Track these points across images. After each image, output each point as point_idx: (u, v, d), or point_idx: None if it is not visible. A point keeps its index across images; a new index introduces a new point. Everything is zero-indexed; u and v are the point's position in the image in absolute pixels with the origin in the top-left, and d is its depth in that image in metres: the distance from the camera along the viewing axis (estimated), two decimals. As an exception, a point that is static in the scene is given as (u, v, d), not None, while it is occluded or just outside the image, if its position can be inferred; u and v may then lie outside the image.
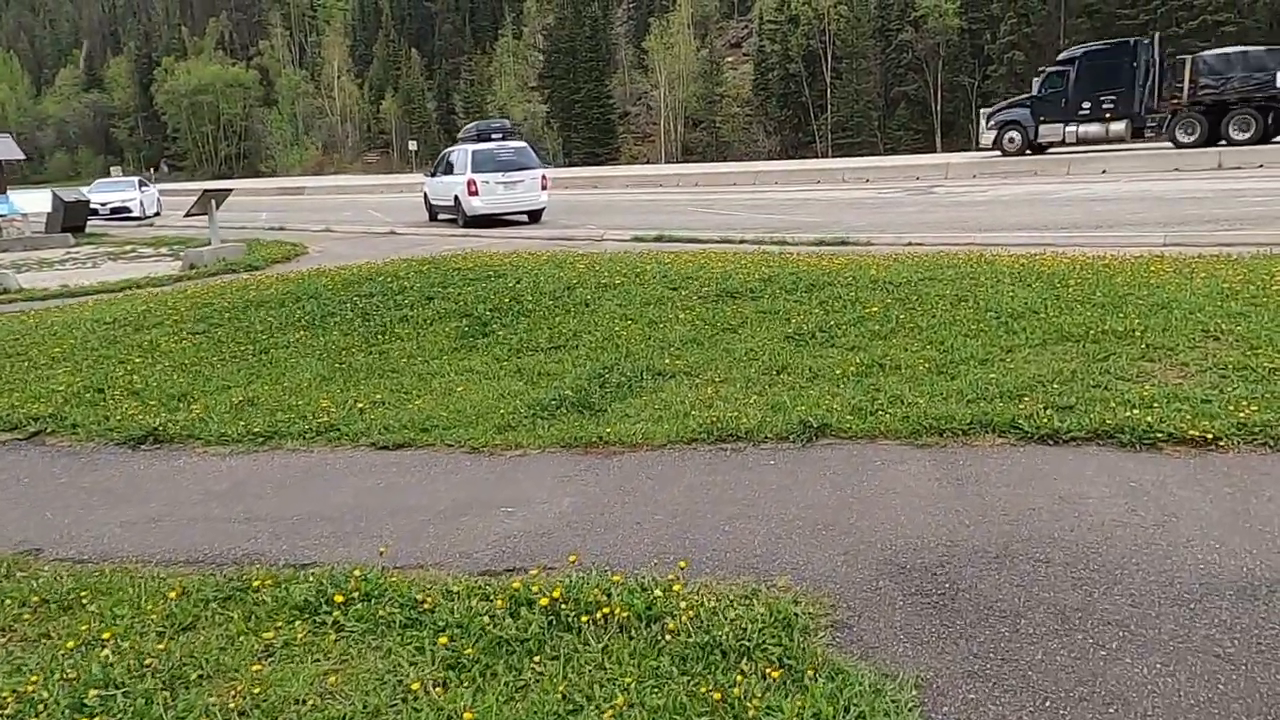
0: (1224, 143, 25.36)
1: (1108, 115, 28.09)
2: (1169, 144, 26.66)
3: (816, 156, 69.27)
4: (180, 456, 5.24)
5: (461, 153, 20.40)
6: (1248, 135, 25.00)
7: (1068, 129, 28.62)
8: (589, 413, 5.15)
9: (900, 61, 75.62)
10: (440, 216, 22.16)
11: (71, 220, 23.16)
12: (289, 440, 5.27)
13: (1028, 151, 29.20)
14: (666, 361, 5.85)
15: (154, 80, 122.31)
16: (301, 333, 7.28)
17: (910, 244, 10.93)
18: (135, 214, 31.23)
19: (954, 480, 3.85)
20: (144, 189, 33.47)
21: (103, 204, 30.69)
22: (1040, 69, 33.55)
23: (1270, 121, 25.05)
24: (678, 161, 75.31)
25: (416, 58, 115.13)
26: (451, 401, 5.57)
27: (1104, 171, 22.68)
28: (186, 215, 15.32)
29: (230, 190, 16.44)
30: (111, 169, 68.70)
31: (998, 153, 29.95)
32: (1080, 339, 5.52)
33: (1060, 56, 31.57)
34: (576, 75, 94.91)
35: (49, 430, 5.84)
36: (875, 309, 6.38)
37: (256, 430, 5.35)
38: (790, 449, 4.35)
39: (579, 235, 16.30)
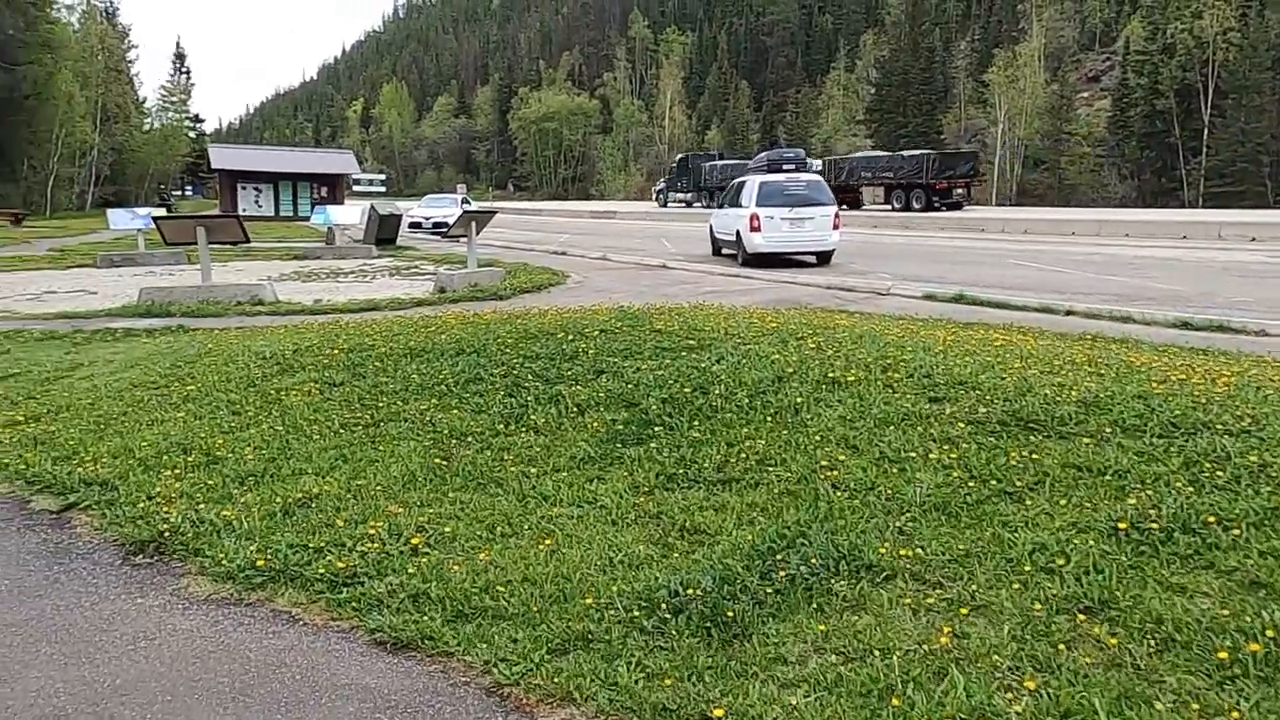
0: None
1: None
2: None
3: (1182, 206, 59.73)
4: (160, 588, 3.74)
5: (749, 184, 18.60)
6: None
7: None
8: (718, 640, 2.93)
9: (1306, 98, 63.19)
10: (723, 251, 20.57)
11: (384, 233, 24.45)
12: (288, 590, 3.58)
13: None
14: (886, 545, 3.45)
15: (511, 108, 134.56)
16: (431, 402, 5.69)
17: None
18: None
19: None
20: (465, 206, 35.42)
21: (425, 218, 32.77)
22: None
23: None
24: (1011, 204, 68.43)
25: (746, 89, 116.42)
26: (535, 558, 3.61)
27: None
28: (446, 237, 14.84)
29: (494, 213, 15.89)
30: (459, 186, 75.65)
31: None
32: None
33: None
34: (907, 109, 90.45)
35: (86, 504, 4.66)
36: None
37: (263, 563, 3.73)
38: None
39: (859, 287, 13.79)
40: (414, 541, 3.86)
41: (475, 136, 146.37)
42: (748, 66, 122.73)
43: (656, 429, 4.86)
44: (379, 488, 4.53)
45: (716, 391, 5.18)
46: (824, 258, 18.33)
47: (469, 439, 5.07)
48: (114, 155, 66.48)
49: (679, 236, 29.62)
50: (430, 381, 6.06)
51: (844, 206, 37.91)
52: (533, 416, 5.24)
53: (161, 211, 20.91)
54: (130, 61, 72.18)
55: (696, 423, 4.87)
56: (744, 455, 4.41)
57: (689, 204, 55.26)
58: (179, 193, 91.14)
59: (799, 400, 4.93)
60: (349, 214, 23.38)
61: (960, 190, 40.78)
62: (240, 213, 29.39)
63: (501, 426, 5.18)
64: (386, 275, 17.26)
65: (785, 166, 18.88)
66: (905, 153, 46.21)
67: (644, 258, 20.02)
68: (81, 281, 16.44)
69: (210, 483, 4.74)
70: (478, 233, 14.63)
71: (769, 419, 4.79)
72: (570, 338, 6.61)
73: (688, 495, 4.14)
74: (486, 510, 4.17)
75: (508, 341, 6.69)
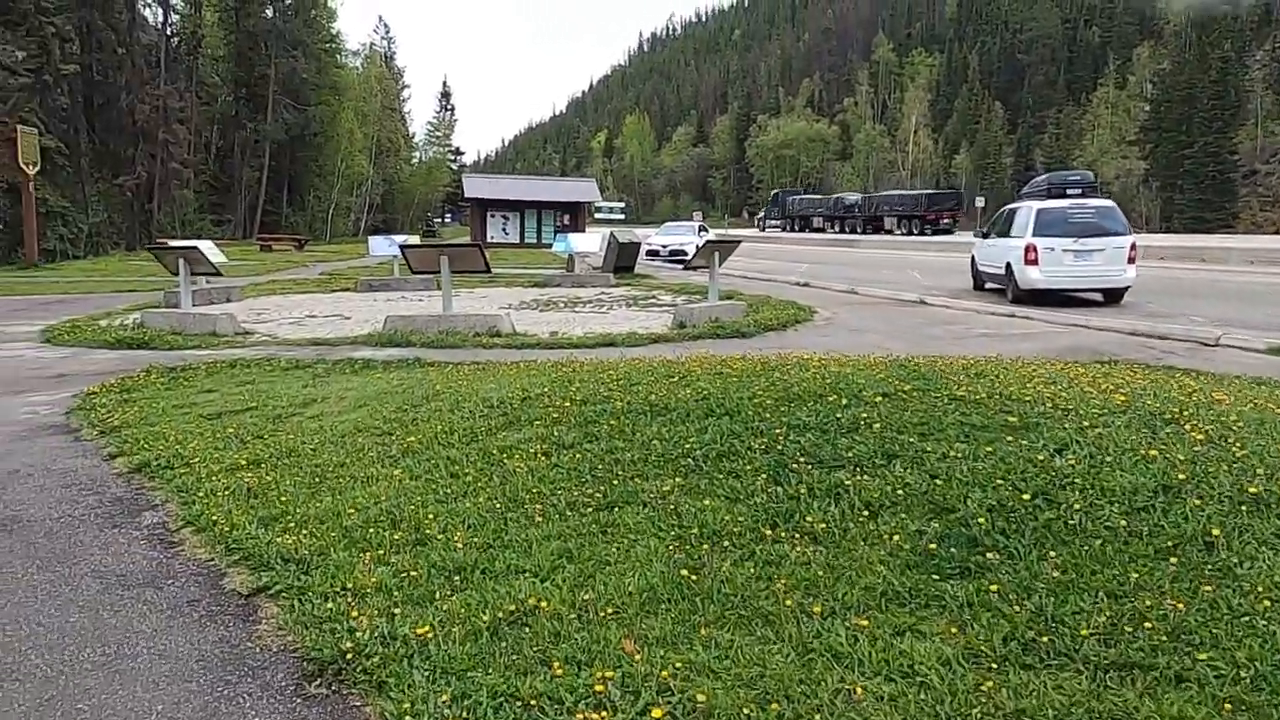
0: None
1: None
2: None
3: None
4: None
5: (1025, 211, 16.41)
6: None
7: None
8: None
9: None
10: (987, 286, 18.41)
11: (622, 261, 24.19)
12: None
13: None
14: None
15: (748, 136, 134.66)
16: (675, 481, 4.60)
17: None
18: (689, 257, 32.55)
19: None
20: (702, 234, 34.88)
21: (663, 246, 32.51)
22: None
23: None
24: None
25: (999, 110, 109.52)
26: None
27: None
28: (687, 268, 13.96)
29: (738, 242, 14.84)
30: (694, 213, 76.07)
31: None
32: None
33: None
34: (1191, 127, 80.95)
35: (278, 588, 3.96)
36: None
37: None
38: None
39: (1174, 333, 11.44)
40: (655, 715, 2.73)
41: (712, 164, 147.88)
42: (1001, 87, 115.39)
43: (988, 555, 3.47)
44: (610, 607, 3.46)
45: (1070, 502, 3.69)
46: (1114, 296, 15.78)
47: (724, 541, 3.91)
48: (385, 186, 72.64)
49: (931, 268, 27.34)
50: (674, 451, 4.99)
51: (870, 230, 60.86)
52: (807, 516, 4.00)
53: (416, 239, 21.69)
54: (404, 100, 78.80)
55: (1049, 551, 3.42)
56: (1143, 619, 2.93)
57: (782, 229, 73.76)
58: (439, 220, 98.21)
59: (1210, 529, 3.36)
60: (589, 241, 23.31)
61: (946, 220, 56.73)
62: (488, 239, 30.41)
63: (766, 528, 3.98)
64: (624, 306, 16.70)
65: (1070, 190, 16.41)
66: (905, 191, 69.74)
67: (896, 291, 18.24)
68: (340, 305, 17.13)
69: (414, 574, 3.89)
70: (720, 263, 13.64)
71: (1167, 557, 3.26)
72: (844, 402, 5.32)
73: (1060, 682, 2.73)
74: (754, 667, 2.98)
75: (766, 403, 5.51)
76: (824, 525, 3.91)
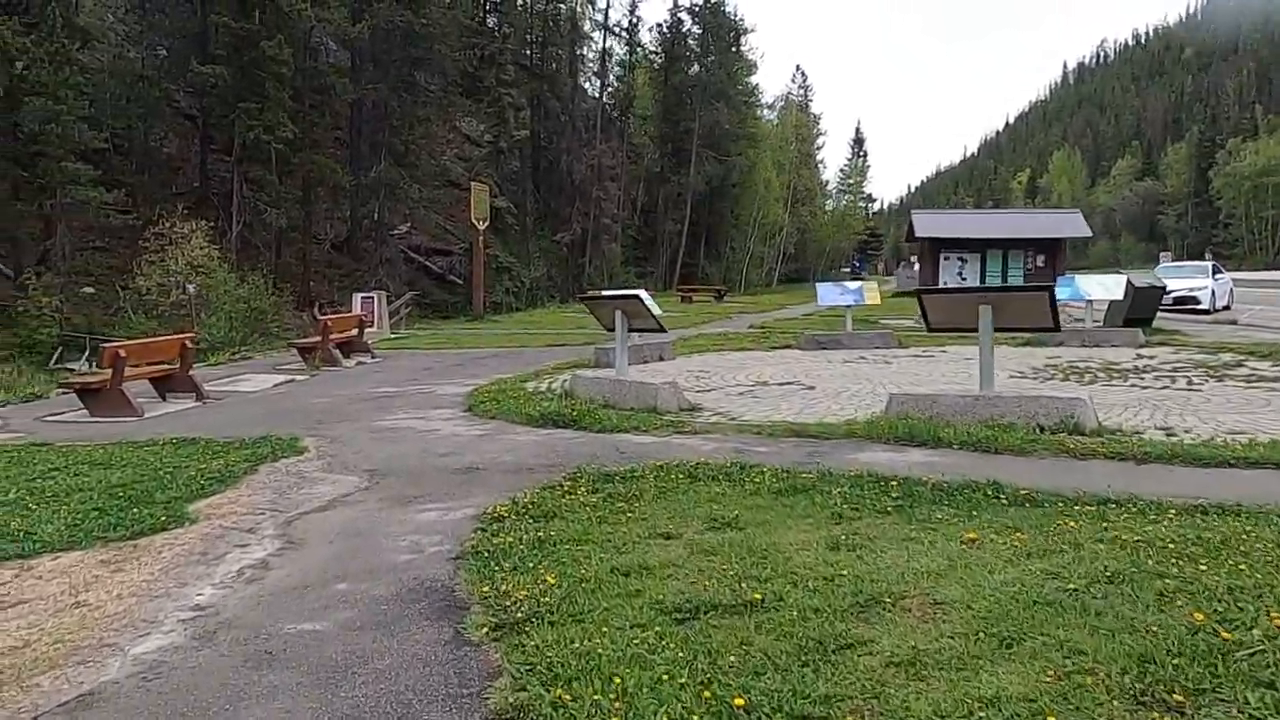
0: None
1: None
2: None
3: None
4: None
5: None
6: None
7: None
8: None
9: None
10: None
11: (1138, 311, 18.18)
12: None
13: None
14: None
15: (1213, 164, 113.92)
16: None
17: None
18: (1203, 305, 25.06)
19: None
20: (1217, 276, 26.95)
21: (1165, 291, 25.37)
22: None
23: None
24: None
25: None
26: None
27: None
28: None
29: None
30: (1160, 254, 64.01)
31: None
32: None
33: None
34: None
35: None
36: None
37: None
38: None
39: None
40: None
41: (1163, 200, 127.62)
42: None
43: None
44: None
45: None
46: None
47: None
48: (798, 235, 70.67)
49: None
50: None
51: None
52: None
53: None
54: (818, 147, 76.74)
55: None
56: None
57: None
58: (848, 270, 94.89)
59: None
60: (1105, 286, 17.67)
61: None
62: (941, 285, 25.65)
63: None
64: (1210, 379, 11.18)
65: None
66: None
67: None
68: (793, 368, 13.66)
69: None
70: None
71: None
72: None
73: None
74: None
75: None
76: None
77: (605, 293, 12.05)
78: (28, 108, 28.17)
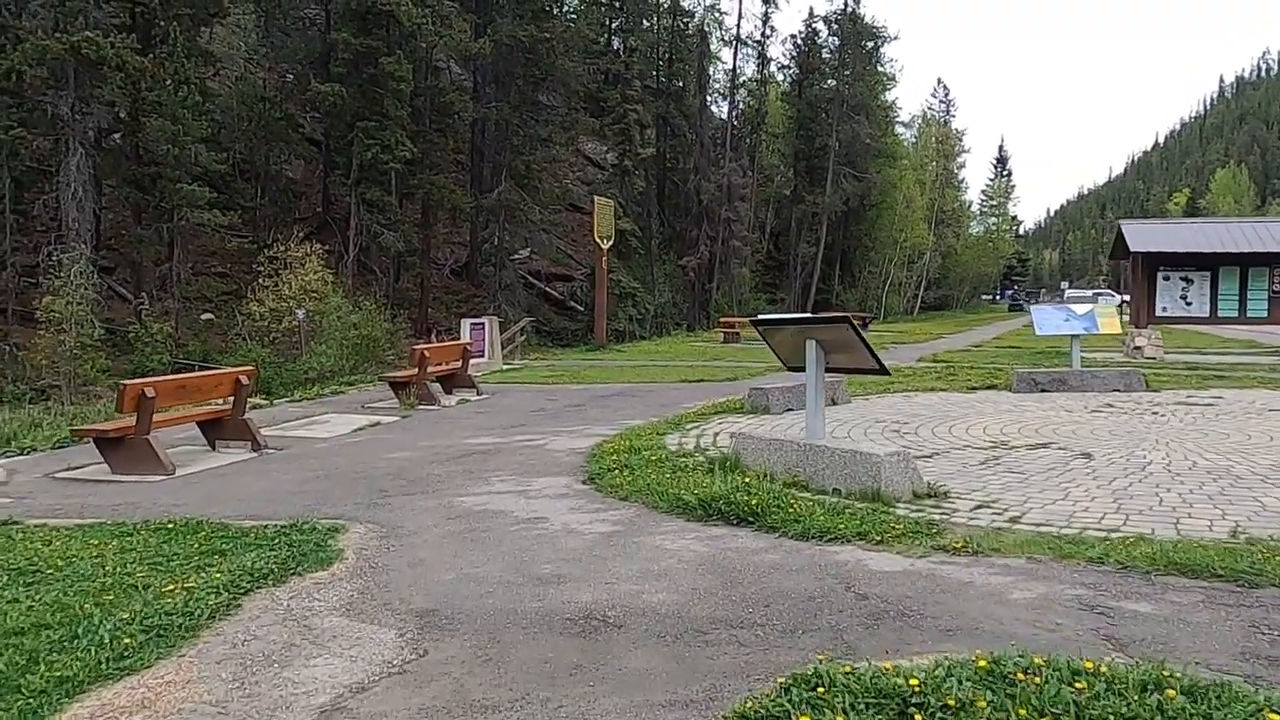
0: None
1: None
2: None
3: None
4: None
5: None
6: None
7: None
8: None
9: None
10: None
11: None
12: None
13: None
14: None
15: None
16: None
17: None
18: None
19: None
20: None
21: None
22: None
23: None
24: None
25: None
26: None
27: None
28: None
29: None
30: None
31: None
32: None
33: None
34: None
35: None
36: None
37: None
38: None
39: None
40: None
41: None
42: None
43: None
44: None
45: None
46: None
47: None
48: (940, 259, 65.61)
49: None
50: None
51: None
52: None
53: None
54: (960, 166, 71.49)
55: None
56: None
57: None
58: (991, 298, 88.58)
59: None
60: None
61: None
62: (1157, 312, 21.24)
63: None
64: None
65: None
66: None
67: None
68: (1021, 419, 10.06)
69: None
70: None
71: None
72: None
73: None
74: None
75: None
76: None
77: (789, 315, 8.80)
78: (147, 129, 27.41)
